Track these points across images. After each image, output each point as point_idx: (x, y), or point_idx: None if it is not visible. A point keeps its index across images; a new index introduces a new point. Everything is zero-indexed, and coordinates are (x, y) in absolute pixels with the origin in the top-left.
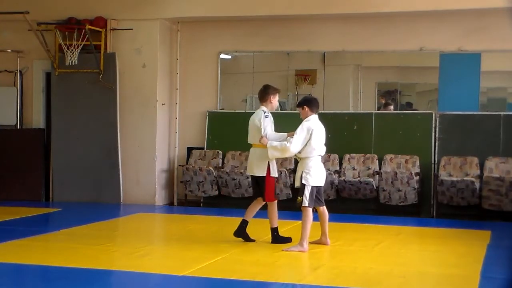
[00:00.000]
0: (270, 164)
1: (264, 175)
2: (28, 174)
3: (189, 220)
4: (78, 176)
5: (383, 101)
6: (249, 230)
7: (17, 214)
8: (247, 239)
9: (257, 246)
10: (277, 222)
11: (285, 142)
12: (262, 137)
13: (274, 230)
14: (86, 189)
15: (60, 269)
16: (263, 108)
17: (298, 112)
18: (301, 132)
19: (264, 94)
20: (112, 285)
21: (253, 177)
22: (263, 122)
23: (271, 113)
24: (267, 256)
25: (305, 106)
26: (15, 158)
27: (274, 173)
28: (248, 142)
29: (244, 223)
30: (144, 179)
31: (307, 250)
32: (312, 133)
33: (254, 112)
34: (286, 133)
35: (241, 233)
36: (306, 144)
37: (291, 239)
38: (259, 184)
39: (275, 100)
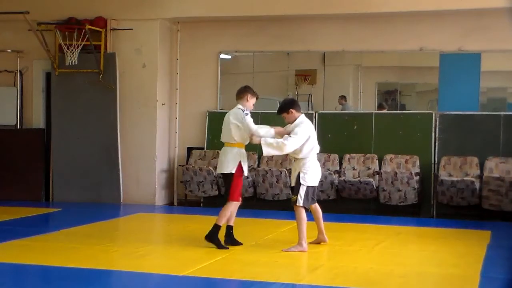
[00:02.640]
0: (242, 162)
1: (233, 172)
2: (28, 174)
3: (189, 220)
4: (78, 176)
5: (343, 102)
6: (247, 231)
7: (17, 214)
8: (234, 243)
9: (257, 246)
10: (223, 223)
11: (282, 140)
12: (252, 135)
13: (217, 228)
14: (86, 189)
15: (60, 269)
16: (240, 106)
17: None
18: (301, 135)
19: (243, 92)
20: (112, 285)
21: (223, 175)
22: (246, 119)
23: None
24: (267, 256)
25: (290, 110)
26: (15, 158)
27: (246, 172)
28: (221, 140)
29: (229, 229)
30: (144, 179)
31: (307, 250)
32: (310, 136)
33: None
34: (272, 129)
35: (230, 239)
36: (303, 146)
37: (226, 248)
38: (226, 182)
39: (252, 101)
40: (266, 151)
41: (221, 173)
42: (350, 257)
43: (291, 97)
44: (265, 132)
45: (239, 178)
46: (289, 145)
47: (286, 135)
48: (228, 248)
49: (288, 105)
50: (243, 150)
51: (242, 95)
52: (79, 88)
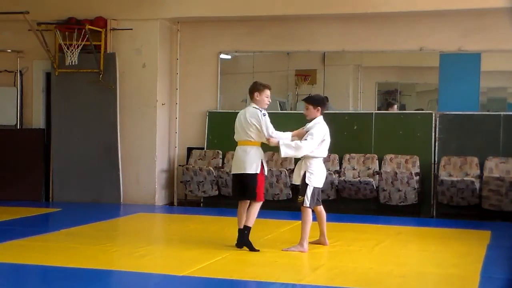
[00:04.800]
0: (263, 162)
1: (258, 172)
2: (28, 174)
3: (189, 220)
4: (78, 176)
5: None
6: (252, 229)
7: (17, 214)
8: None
9: (257, 246)
10: (253, 223)
11: (299, 141)
12: (268, 138)
13: (248, 229)
14: (86, 189)
15: (60, 269)
16: (254, 105)
17: (298, 112)
18: (317, 136)
19: (251, 90)
20: (112, 285)
21: (240, 175)
22: (263, 120)
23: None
24: (267, 256)
25: (318, 107)
26: (15, 158)
27: (266, 171)
28: (236, 139)
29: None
30: (144, 179)
31: (307, 251)
32: (325, 136)
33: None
34: (290, 132)
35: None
36: (319, 147)
37: (257, 250)
38: (248, 183)
39: (261, 97)
40: (284, 152)
41: (243, 173)
42: (350, 257)
43: (323, 97)
44: (282, 134)
45: (262, 177)
46: (307, 146)
47: (302, 138)
48: (259, 250)
49: (319, 102)
50: (261, 149)
51: (251, 94)
52: (79, 88)
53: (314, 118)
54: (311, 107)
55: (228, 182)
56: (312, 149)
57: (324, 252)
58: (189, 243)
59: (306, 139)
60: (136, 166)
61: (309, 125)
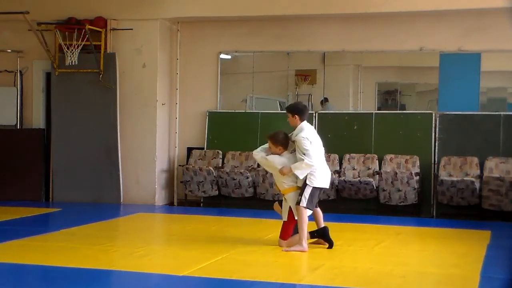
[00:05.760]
0: None
1: None
2: (28, 174)
3: (189, 220)
4: (78, 176)
5: (325, 102)
6: (247, 231)
7: (17, 214)
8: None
9: (257, 246)
10: None
11: (304, 161)
12: (281, 169)
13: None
14: (86, 189)
15: (60, 269)
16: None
17: None
18: (307, 145)
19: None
20: (112, 285)
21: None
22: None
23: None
24: (267, 256)
25: (296, 116)
26: (15, 158)
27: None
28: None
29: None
30: (144, 179)
31: (307, 250)
32: (310, 139)
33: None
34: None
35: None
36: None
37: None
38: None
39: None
40: (301, 173)
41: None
42: (350, 257)
43: (304, 104)
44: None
45: None
46: (310, 161)
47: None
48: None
49: (295, 110)
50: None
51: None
52: (79, 88)
53: (296, 126)
54: (289, 115)
55: (227, 182)
56: (314, 159)
57: (324, 252)
58: (189, 243)
59: (303, 159)
60: (136, 166)
61: (294, 133)
